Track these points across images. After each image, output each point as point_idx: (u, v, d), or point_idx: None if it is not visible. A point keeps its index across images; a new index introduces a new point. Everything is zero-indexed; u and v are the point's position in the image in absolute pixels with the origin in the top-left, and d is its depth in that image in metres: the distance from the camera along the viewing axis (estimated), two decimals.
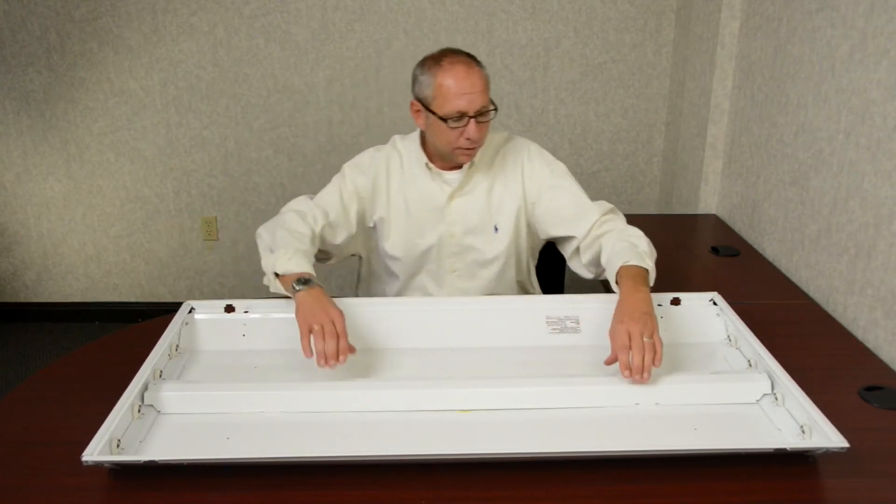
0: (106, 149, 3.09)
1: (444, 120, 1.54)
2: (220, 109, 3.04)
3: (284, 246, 1.48)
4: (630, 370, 1.28)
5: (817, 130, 1.89)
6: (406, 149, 1.71)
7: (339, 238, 1.67)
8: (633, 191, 3.16)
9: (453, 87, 1.52)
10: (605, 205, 1.67)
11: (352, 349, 1.34)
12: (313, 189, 1.75)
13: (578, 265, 1.69)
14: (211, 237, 3.23)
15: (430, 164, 1.67)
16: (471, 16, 2.89)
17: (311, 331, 1.31)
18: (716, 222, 2.51)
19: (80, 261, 3.27)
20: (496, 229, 1.70)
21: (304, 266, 1.45)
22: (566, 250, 1.71)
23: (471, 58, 1.57)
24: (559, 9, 2.89)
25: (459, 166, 1.66)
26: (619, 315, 1.36)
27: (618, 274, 1.46)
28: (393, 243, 1.71)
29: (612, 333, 1.34)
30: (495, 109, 1.59)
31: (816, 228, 1.89)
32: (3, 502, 1.09)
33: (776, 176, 2.13)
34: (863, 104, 1.68)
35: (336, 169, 1.76)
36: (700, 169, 2.59)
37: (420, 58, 1.61)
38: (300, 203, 1.66)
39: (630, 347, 1.29)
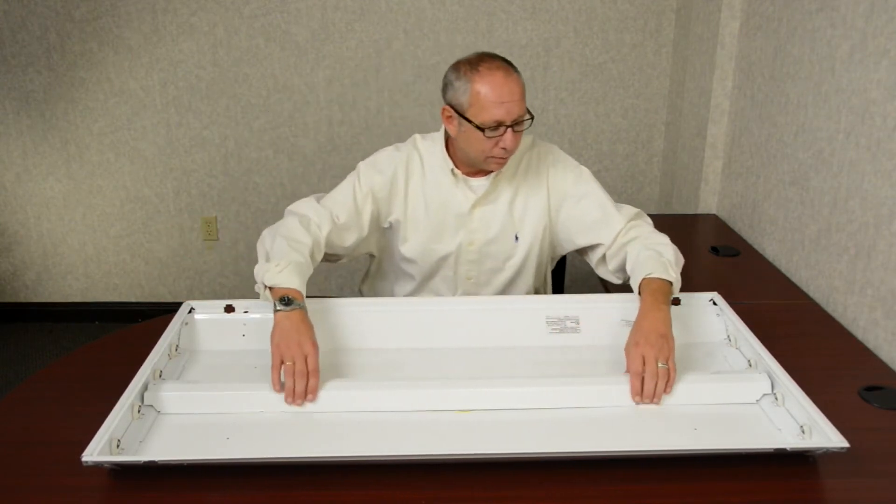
0: (106, 149, 3.09)
1: (480, 129, 1.49)
2: (220, 109, 3.04)
3: (278, 256, 1.44)
4: (640, 396, 1.27)
5: (817, 130, 1.89)
6: (428, 150, 1.66)
7: (348, 241, 1.63)
8: (633, 191, 3.16)
9: (491, 96, 1.47)
10: (631, 210, 1.64)
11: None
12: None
13: (605, 272, 1.66)
14: (211, 237, 3.23)
15: (457, 171, 1.62)
16: (471, 16, 2.89)
17: (282, 363, 1.28)
18: (716, 222, 2.51)
19: (80, 261, 3.27)
20: (516, 238, 1.67)
21: (293, 281, 1.40)
22: (592, 258, 1.68)
23: (508, 64, 1.51)
24: (559, 9, 2.89)
25: (485, 172, 1.62)
26: (635, 336, 1.34)
27: (640, 286, 1.44)
28: (409, 246, 1.67)
29: (627, 354, 1.33)
30: (532, 118, 1.53)
31: (816, 228, 1.89)
32: (3, 502, 1.09)
33: (776, 176, 2.13)
34: (863, 104, 1.68)
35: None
36: (700, 169, 2.59)
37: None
38: (306, 206, 1.60)
39: (643, 373, 1.28)
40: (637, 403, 1.27)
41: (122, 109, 3.03)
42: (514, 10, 2.89)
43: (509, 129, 1.49)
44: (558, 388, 1.29)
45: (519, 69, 1.53)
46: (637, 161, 3.12)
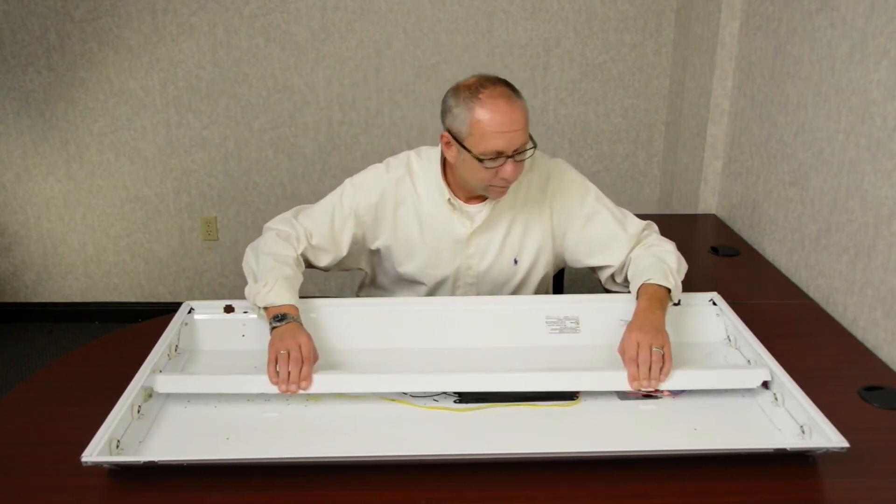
0: (106, 149, 3.09)
1: (478, 159, 1.42)
2: (220, 109, 3.04)
3: (266, 273, 1.43)
4: (638, 381, 1.27)
5: (817, 130, 1.89)
6: (424, 177, 1.59)
7: (323, 261, 1.60)
8: (633, 191, 3.16)
9: (492, 125, 1.39)
10: (638, 225, 1.60)
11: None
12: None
13: (615, 286, 1.64)
14: (211, 237, 3.23)
15: (454, 200, 1.56)
16: (471, 16, 2.89)
17: (277, 357, 1.28)
18: (716, 222, 2.51)
19: (80, 261, 3.27)
20: (515, 262, 1.63)
21: (284, 296, 1.40)
22: (601, 275, 1.65)
23: (510, 88, 1.43)
24: (559, 9, 2.89)
25: (483, 198, 1.57)
26: (630, 327, 1.34)
27: (638, 291, 1.44)
28: (406, 269, 1.64)
29: (623, 345, 1.33)
30: (535, 146, 1.47)
31: (816, 228, 1.89)
32: (3, 502, 1.09)
33: (776, 176, 2.13)
34: (863, 104, 1.68)
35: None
36: (700, 169, 2.59)
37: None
38: (283, 223, 1.58)
39: (637, 358, 1.28)
40: (636, 389, 1.27)
41: (122, 109, 3.03)
42: (514, 10, 2.88)
43: (510, 160, 1.43)
44: (558, 375, 1.29)
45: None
46: (637, 161, 3.12)
